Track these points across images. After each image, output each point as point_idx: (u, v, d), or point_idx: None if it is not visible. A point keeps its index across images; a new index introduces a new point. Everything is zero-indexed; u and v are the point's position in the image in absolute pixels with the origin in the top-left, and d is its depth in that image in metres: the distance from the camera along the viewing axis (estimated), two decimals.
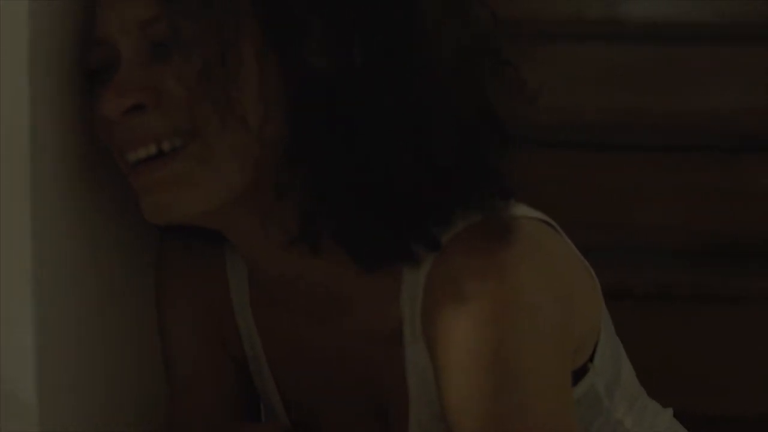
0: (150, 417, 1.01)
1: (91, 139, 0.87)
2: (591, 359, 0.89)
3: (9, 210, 0.80)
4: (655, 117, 1.91)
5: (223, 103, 0.80)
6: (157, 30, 0.82)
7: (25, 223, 0.81)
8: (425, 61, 0.82)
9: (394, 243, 0.84)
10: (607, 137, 1.87)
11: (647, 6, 1.92)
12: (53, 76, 0.84)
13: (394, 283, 0.86)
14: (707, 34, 1.92)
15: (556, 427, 0.81)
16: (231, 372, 1.00)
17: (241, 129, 0.81)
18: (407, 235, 0.83)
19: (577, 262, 0.90)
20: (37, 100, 0.81)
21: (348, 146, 0.81)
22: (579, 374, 0.89)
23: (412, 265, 0.84)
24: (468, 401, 0.81)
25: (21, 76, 0.80)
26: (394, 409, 0.90)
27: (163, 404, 1.02)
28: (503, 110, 0.86)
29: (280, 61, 0.82)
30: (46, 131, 0.83)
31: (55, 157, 0.85)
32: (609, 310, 0.94)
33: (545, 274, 0.83)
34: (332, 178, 0.82)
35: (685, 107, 1.90)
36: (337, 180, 0.82)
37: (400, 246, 0.84)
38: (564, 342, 0.84)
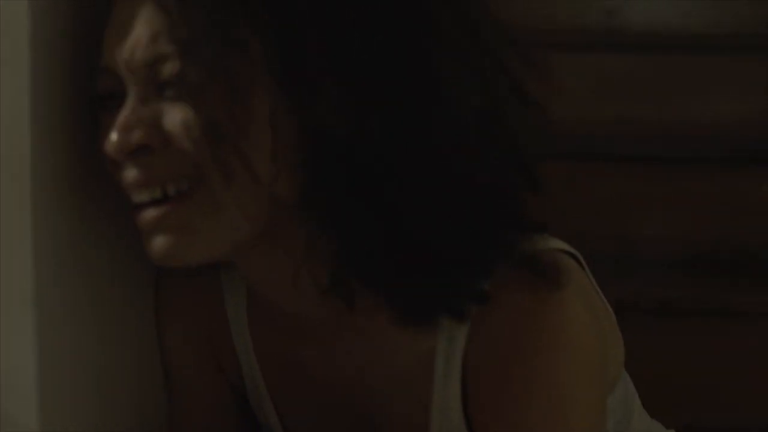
0: (149, 427, 1.01)
1: (90, 152, 0.86)
2: None
3: (9, 222, 0.79)
4: (653, 127, 1.90)
5: (231, 156, 0.77)
6: (166, 70, 0.79)
7: (25, 232, 0.80)
8: (446, 114, 0.80)
9: (433, 299, 0.82)
10: (605, 147, 1.86)
11: (646, 16, 1.91)
12: (54, 96, 0.83)
13: (430, 324, 0.85)
14: (706, 44, 1.92)
15: None
16: (230, 397, 0.99)
17: (249, 182, 0.78)
18: (448, 291, 0.82)
19: (601, 298, 0.90)
20: (37, 111, 0.80)
21: (368, 203, 0.79)
22: None
23: (456, 317, 0.84)
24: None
25: (22, 96, 0.79)
26: None
27: (163, 415, 1.01)
28: (525, 138, 0.85)
29: (293, 118, 0.78)
30: (46, 142, 0.82)
31: (55, 168, 0.84)
32: None
33: (586, 311, 0.84)
34: (354, 236, 0.80)
35: (684, 117, 1.89)
36: (361, 237, 0.80)
37: (439, 302, 0.82)
38: (602, 378, 0.86)
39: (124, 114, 0.80)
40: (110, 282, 0.94)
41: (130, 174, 0.81)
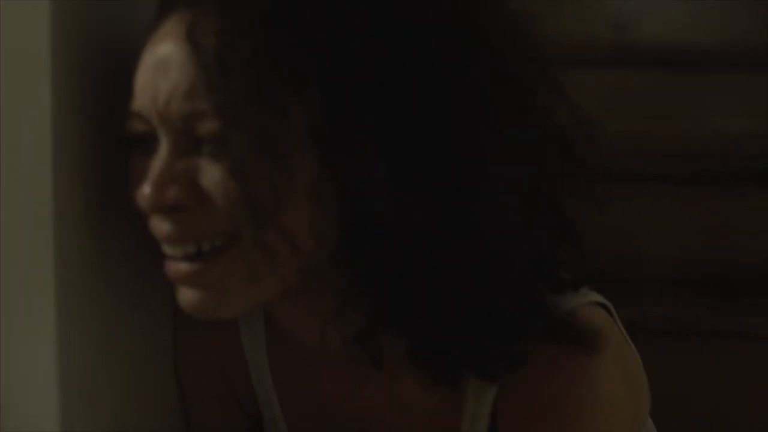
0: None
1: (111, 160, 0.85)
2: None
3: (31, 226, 0.78)
4: (662, 143, 1.88)
5: (269, 224, 0.74)
6: (203, 127, 0.76)
7: (47, 236, 0.78)
8: (492, 196, 0.77)
9: (464, 363, 0.80)
10: (615, 164, 1.84)
11: (657, 31, 1.89)
12: (75, 106, 0.81)
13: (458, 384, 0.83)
14: (719, 60, 1.90)
15: None
16: (246, 427, 0.97)
17: (285, 245, 0.76)
18: (480, 355, 0.80)
19: (630, 347, 0.89)
20: (58, 119, 0.78)
21: (403, 271, 0.77)
22: None
23: (487, 380, 0.82)
24: None
25: (44, 106, 0.77)
26: None
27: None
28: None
29: (333, 186, 0.75)
30: (67, 150, 0.80)
31: (77, 173, 0.82)
32: None
33: (622, 377, 0.83)
34: (387, 300, 0.78)
35: (694, 133, 1.87)
36: (393, 300, 0.78)
37: (470, 366, 0.81)
38: None
39: (158, 167, 0.77)
40: (131, 286, 0.92)
41: (163, 227, 0.79)
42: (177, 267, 0.79)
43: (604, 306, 0.87)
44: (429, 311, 0.78)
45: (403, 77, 0.74)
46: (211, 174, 0.76)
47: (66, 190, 0.80)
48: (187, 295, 0.80)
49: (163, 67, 0.77)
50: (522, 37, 0.80)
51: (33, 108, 0.78)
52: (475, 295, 0.77)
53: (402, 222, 0.75)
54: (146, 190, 0.77)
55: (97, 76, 0.85)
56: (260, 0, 0.74)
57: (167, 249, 0.80)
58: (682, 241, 1.82)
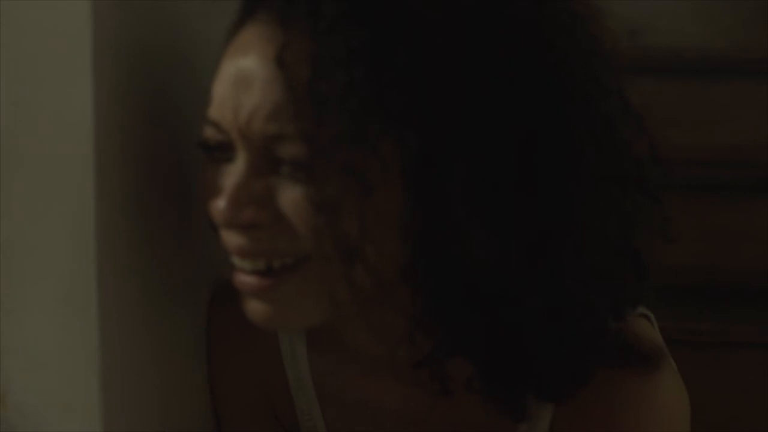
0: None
1: (154, 156, 0.84)
2: None
3: (72, 224, 0.76)
4: (674, 151, 1.87)
5: (352, 254, 0.73)
6: (286, 150, 0.74)
7: (89, 234, 0.76)
8: (579, 248, 0.76)
9: (530, 388, 0.80)
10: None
11: (670, 37, 1.89)
12: (118, 99, 0.79)
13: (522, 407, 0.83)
14: (728, 68, 1.89)
15: None
16: None
17: (363, 273, 0.74)
18: (547, 380, 0.79)
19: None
20: (100, 114, 0.76)
21: (479, 306, 0.76)
22: None
23: (554, 402, 0.82)
24: None
25: (86, 98, 0.75)
26: None
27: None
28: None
29: (415, 218, 0.74)
30: (109, 146, 0.78)
31: (119, 171, 0.80)
32: None
33: (680, 384, 0.83)
34: (458, 329, 0.77)
35: (706, 141, 1.86)
36: (464, 329, 0.77)
37: (537, 391, 0.80)
38: None
39: (235, 184, 0.75)
40: (172, 288, 0.90)
41: (235, 241, 0.77)
42: (245, 280, 0.78)
43: (646, 317, 0.87)
44: (499, 338, 0.77)
45: (497, 122, 0.73)
46: (289, 196, 0.75)
47: (108, 195, 0.78)
48: (254, 307, 0.79)
49: (245, 81, 0.75)
50: (607, 74, 0.79)
51: (74, 112, 0.76)
52: (546, 326, 0.77)
53: (483, 260, 0.74)
54: (221, 205, 0.76)
55: (139, 80, 0.83)
56: (358, 32, 0.72)
57: (236, 261, 0.79)
58: (695, 250, 1.81)
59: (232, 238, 0.77)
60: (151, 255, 0.86)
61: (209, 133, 0.78)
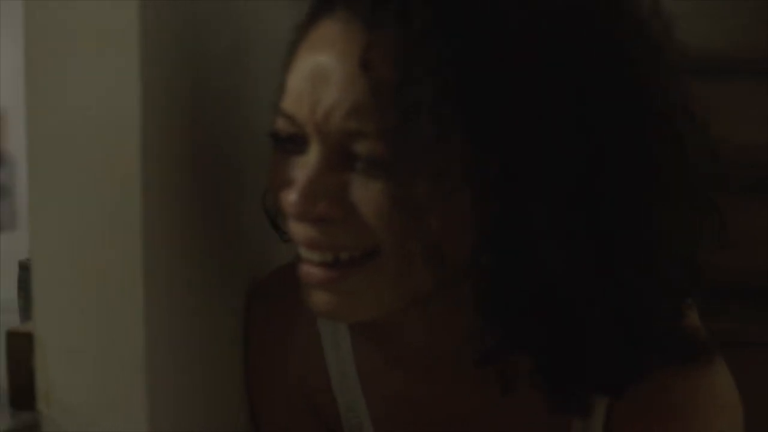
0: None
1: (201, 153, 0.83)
2: None
3: (119, 220, 0.76)
4: None
5: (432, 250, 0.73)
6: (362, 147, 0.74)
7: (134, 229, 0.76)
8: (647, 254, 0.77)
9: (592, 387, 0.80)
10: None
11: (683, 37, 1.89)
12: (165, 96, 0.79)
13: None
14: (736, 68, 1.90)
15: None
16: None
17: (426, 260, 0.74)
18: (609, 378, 0.79)
19: None
20: (146, 110, 0.75)
21: (545, 301, 0.76)
22: None
23: (612, 397, 0.82)
24: None
25: (133, 95, 0.74)
26: None
27: None
28: None
29: (491, 217, 0.74)
30: (156, 142, 0.77)
31: (165, 167, 0.79)
32: None
33: (730, 380, 0.84)
34: (519, 326, 0.77)
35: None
36: (525, 328, 0.77)
37: (598, 389, 0.80)
38: None
39: (308, 177, 0.76)
40: (216, 288, 0.90)
41: (304, 233, 0.78)
42: (311, 271, 0.78)
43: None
44: (562, 336, 0.77)
45: (578, 133, 0.73)
46: (364, 193, 0.75)
47: (154, 195, 0.78)
48: (318, 298, 0.79)
49: (323, 77, 0.75)
50: (676, 85, 0.79)
51: (122, 111, 0.75)
52: (610, 324, 0.77)
53: (556, 265, 0.74)
54: (293, 197, 0.76)
55: (185, 80, 0.83)
56: (449, 39, 0.72)
57: (303, 252, 0.79)
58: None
59: (301, 230, 0.78)
60: (196, 253, 0.86)
61: (282, 124, 0.78)
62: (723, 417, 0.82)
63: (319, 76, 0.75)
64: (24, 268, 0.96)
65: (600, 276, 0.75)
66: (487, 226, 0.74)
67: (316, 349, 0.92)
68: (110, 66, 0.75)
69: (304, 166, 0.77)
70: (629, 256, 0.76)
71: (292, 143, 0.78)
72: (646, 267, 0.77)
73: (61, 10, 0.75)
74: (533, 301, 0.75)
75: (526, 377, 0.80)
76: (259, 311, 0.93)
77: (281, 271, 0.95)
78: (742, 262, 1.83)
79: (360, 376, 0.90)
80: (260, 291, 0.94)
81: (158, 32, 0.77)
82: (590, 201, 0.74)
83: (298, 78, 0.77)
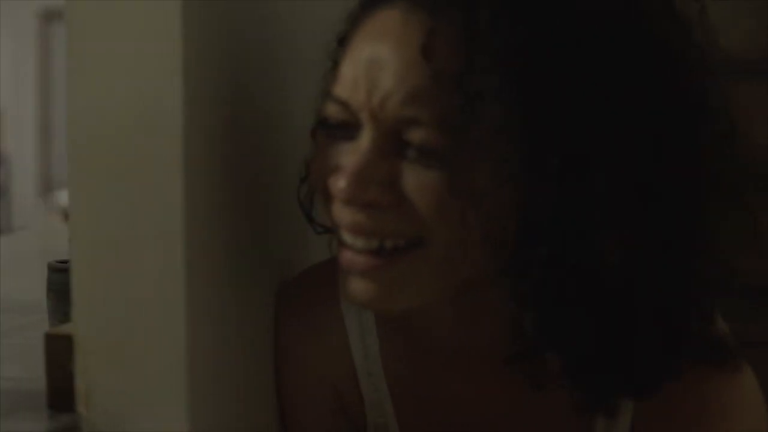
0: None
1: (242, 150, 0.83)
2: None
3: (162, 224, 0.76)
4: None
5: (471, 236, 0.73)
6: (416, 135, 0.74)
7: (177, 234, 0.76)
8: (692, 252, 0.77)
9: (623, 388, 0.80)
10: None
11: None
12: (208, 94, 0.79)
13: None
14: (745, 69, 1.90)
15: None
16: None
17: (477, 250, 0.75)
18: (641, 378, 0.79)
19: None
20: (190, 110, 0.75)
21: (579, 300, 0.76)
22: None
23: (643, 399, 0.82)
24: None
25: (175, 92, 0.74)
26: None
27: None
28: None
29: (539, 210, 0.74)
30: (199, 143, 0.77)
31: (207, 170, 0.79)
32: None
33: (758, 387, 0.84)
34: (557, 323, 0.77)
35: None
36: (563, 324, 0.77)
37: (630, 390, 0.80)
38: None
39: (359, 162, 0.76)
40: (253, 284, 0.90)
41: (349, 218, 0.77)
42: (355, 258, 0.78)
43: None
44: (605, 332, 0.77)
45: (635, 129, 0.74)
46: (417, 181, 0.75)
47: (196, 196, 0.77)
48: (357, 286, 0.78)
49: (381, 64, 0.75)
50: (716, 83, 0.79)
51: (165, 114, 0.75)
52: (647, 324, 0.77)
53: (610, 260, 0.74)
54: (343, 182, 0.76)
55: (227, 81, 0.82)
56: (515, 30, 0.72)
57: (348, 238, 0.78)
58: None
59: (347, 215, 0.77)
60: (233, 253, 0.85)
61: (333, 111, 0.78)
62: (749, 421, 0.82)
63: (377, 63, 0.75)
64: (54, 270, 0.96)
65: (650, 271, 0.75)
66: (542, 216, 0.74)
67: (342, 346, 0.92)
68: (152, 65, 0.74)
69: (355, 152, 0.76)
70: (679, 253, 0.76)
71: (342, 129, 0.78)
72: (691, 265, 0.77)
73: (104, 9, 0.74)
74: (581, 293, 0.75)
75: (552, 376, 0.79)
76: (287, 311, 0.93)
77: (308, 272, 0.95)
78: (745, 261, 1.84)
79: (386, 375, 0.90)
80: (288, 291, 0.94)
81: (200, 31, 0.77)
82: (647, 194, 0.74)
83: (353, 65, 0.77)
